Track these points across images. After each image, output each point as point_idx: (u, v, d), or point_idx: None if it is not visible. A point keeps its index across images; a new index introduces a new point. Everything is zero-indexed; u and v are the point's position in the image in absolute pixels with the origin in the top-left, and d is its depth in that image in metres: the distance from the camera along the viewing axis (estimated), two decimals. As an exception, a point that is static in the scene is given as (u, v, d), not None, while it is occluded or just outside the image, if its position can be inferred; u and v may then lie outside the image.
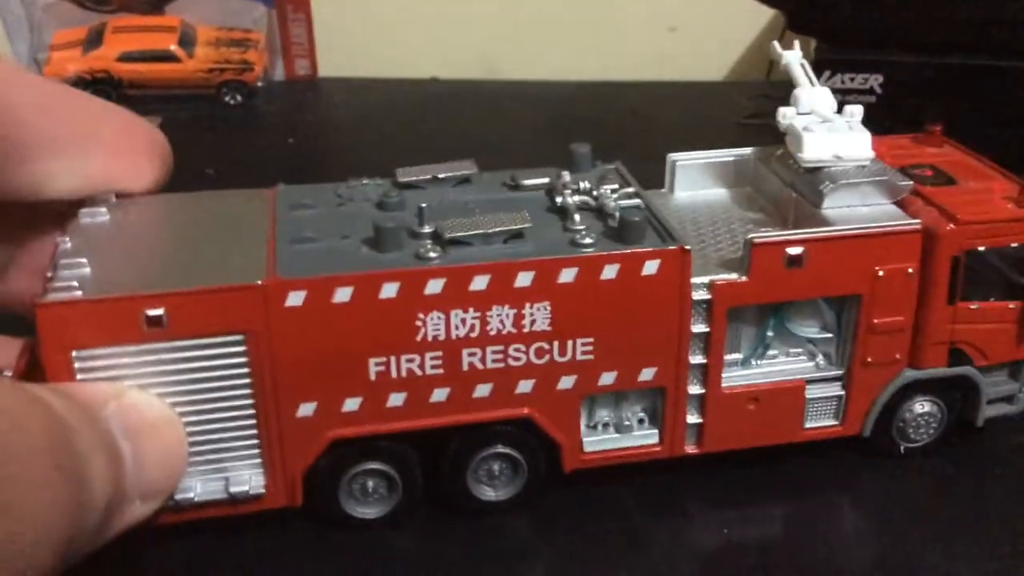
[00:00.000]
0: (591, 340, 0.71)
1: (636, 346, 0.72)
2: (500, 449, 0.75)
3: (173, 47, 1.58)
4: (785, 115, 0.81)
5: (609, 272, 0.70)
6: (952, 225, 0.74)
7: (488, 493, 0.76)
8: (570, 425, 0.75)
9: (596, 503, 0.77)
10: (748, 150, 0.87)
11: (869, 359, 0.77)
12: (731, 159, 0.87)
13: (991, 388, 0.81)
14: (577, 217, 0.73)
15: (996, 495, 0.79)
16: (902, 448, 0.82)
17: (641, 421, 0.77)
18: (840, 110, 0.82)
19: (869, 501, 0.78)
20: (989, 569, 0.71)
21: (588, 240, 0.70)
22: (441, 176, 0.80)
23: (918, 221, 0.74)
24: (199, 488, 0.69)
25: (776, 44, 0.90)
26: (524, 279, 0.69)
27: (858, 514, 0.77)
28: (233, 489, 0.70)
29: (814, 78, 0.86)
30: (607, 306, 0.71)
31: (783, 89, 1.32)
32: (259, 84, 1.61)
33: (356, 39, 1.67)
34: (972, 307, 0.77)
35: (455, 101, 1.55)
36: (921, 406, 0.81)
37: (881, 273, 0.74)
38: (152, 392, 0.66)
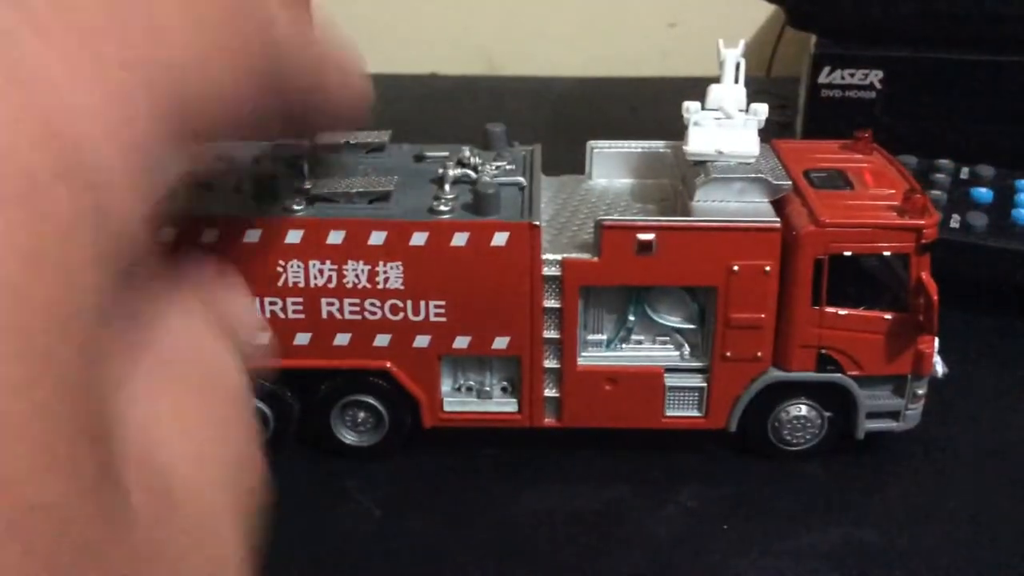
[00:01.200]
0: (443, 303, 0.76)
1: (489, 314, 0.76)
2: (363, 398, 0.80)
3: None
4: (688, 109, 0.82)
5: (459, 239, 0.74)
6: (813, 227, 0.74)
7: (351, 437, 0.82)
8: (430, 383, 0.79)
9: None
10: (661, 143, 0.88)
11: (728, 353, 0.77)
12: (644, 150, 0.88)
13: (872, 401, 0.80)
14: (447, 187, 0.77)
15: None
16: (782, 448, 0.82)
17: (504, 389, 0.81)
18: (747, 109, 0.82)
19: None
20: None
21: (445, 208, 0.75)
22: (353, 142, 0.86)
23: (777, 220, 0.74)
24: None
25: (720, 42, 0.91)
26: (377, 238, 0.74)
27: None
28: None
29: (741, 77, 0.87)
30: (458, 272, 0.75)
31: (783, 85, 1.32)
32: None
33: (355, 35, 1.71)
34: (840, 313, 0.76)
35: (455, 97, 1.58)
36: (797, 409, 0.80)
37: (736, 268, 0.74)
38: None
